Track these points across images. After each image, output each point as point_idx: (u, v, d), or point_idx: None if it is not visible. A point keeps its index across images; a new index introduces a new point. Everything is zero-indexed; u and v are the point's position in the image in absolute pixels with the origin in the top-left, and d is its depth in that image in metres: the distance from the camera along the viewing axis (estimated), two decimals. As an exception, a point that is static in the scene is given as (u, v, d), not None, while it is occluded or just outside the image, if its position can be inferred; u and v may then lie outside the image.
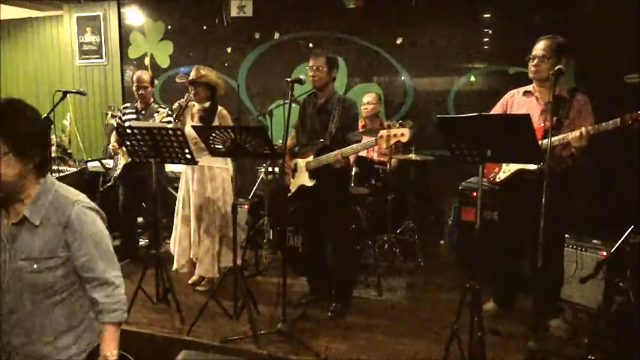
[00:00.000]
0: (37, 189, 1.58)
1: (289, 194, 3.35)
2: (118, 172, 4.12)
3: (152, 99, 4.24)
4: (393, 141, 2.83)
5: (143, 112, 4.12)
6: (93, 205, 1.66)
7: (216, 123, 3.51)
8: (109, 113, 4.93)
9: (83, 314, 1.67)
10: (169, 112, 3.90)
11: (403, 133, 2.79)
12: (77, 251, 1.58)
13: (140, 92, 4.10)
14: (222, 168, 3.64)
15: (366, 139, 3.05)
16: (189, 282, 3.74)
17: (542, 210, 2.47)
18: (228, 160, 3.61)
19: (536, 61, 2.88)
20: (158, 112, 4.01)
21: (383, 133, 2.84)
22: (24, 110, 1.56)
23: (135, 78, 4.13)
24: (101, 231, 1.64)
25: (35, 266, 1.55)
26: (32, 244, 1.55)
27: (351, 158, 3.56)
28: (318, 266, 3.51)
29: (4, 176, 1.49)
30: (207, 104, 3.56)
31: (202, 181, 3.57)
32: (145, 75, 4.14)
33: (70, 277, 1.61)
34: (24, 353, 1.61)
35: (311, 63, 3.17)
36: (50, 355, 1.61)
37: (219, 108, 3.59)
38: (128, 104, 4.29)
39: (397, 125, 2.83)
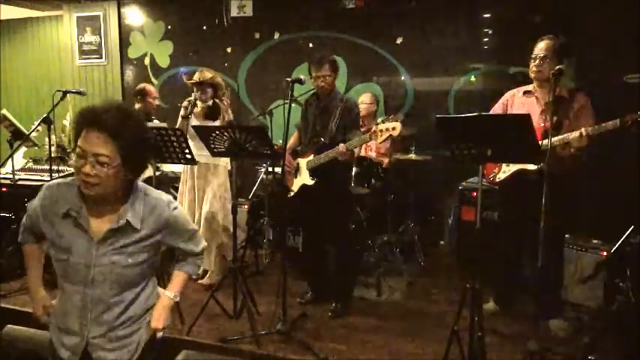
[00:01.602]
0: (130, 192, 1.62)
1: (292, 194, 3.36)
2: None
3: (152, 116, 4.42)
4: (385, 135, 2.88)
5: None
6: (178, 203, 1.79)
7: (219, 120, 3.64)
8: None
9: (154, 295, 1.77)
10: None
11: (395, 127, 2.85)
12: (174, 242, 1.77)
13: (140, 104, 4.31)
14: (224, 165, 3.74)
15: (364, 136, 3.07)
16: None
17: (542, 210, 2.47)
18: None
19: (538, 61, 2.88)
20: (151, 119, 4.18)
21: (376, 127, 2.89)
22: (142, 125, 1.59)
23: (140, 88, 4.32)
24: (187, 218, 1.83)
25: (129, 260, 1.61)
26: (127, 242, 1.61)
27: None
28: (318, 266, 3.51)
29: (108, 184, 1.51)
30: (210, 102, 3.66)
31: (207, 177, 3.67)
32: (152, 88, 4.39)
33: (150, 270, 1.73)
34: (101, 343, 1.64)
35: (315, 73, 3.19)
36: (129, 334, 1.69)
37: (221, 104, 3.70)
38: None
39: (390, 119, 2.88)
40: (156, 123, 4.10)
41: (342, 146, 3.01)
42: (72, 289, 1.63)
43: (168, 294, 1.78)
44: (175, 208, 1.72)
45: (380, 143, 3.28)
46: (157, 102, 4.36)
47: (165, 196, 1.73)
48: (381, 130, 2.87)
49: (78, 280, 1.61)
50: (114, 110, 1.50)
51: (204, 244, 1.89)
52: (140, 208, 1.62)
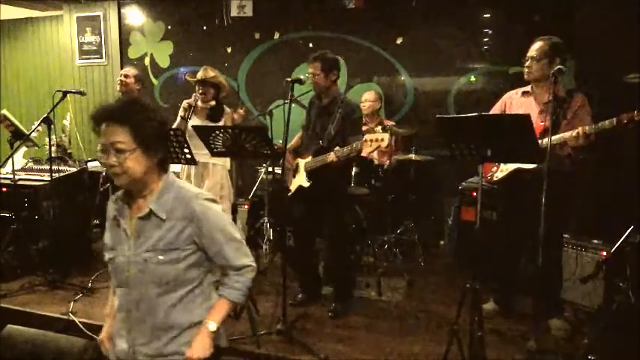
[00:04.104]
0: (159, 185, 1.63)
1: (289, 194, 3.36)
2: (104, 173, 4.16)
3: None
4: (374, 146, 2.86)
5: None
6: (211, 196, 1.71)
7: (222, 122, 3.63)
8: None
9: (206, 309, 1.67)
10: None
11: (382, 139, 2.83)
12: (207, 242, 1.63)
13: (120, 86, 4.00)
14: (222, 165, 3.74)
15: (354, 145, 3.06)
16: None
17: (541, 209, 2.47)
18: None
19: (528, 62, 2.90)
20: None
21: (367, 137, 2.88)
22: (147, 107, 1.62)
23: (121, 72, 4.09)
24: (225, 221, 1.69)
25: (160, 257, 1.58)
26: (158, 237, 1.59)
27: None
28: (307, 267, 3.50)
29: (132, 172, 1.54)
30: (213, 103, 3.65)
31: (203, 176, 3.66)
32: (133, 70, 4.08)
33: (193, 271, 1.63)
34: (148, 351, 1.62)
35: (308, 70, 3.20)
36: (173, 352, 1.63)
37: (226, 108, 3.72)
38: None
39: (380, 130, 2.86)
40: None
41: (331, 155, 3.02)
42: (119, 290, 1.65)
43: (208, 323, 1.63)
44: (206, 200, 1.65)
45: (368, 154, 3.23)
46: (137, 85, 4.00)
47: (197, 189, 1.70)
48: (370, 141, 2.85)
49: (121, 280, 1.63)
50: (117, 102, 1.62)
51: (247, 260, 1.69)
52: (168, 199, 1.61)
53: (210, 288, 1.71)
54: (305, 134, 3.43)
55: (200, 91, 3.59)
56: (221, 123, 3.62)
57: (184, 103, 3.60)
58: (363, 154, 2.98)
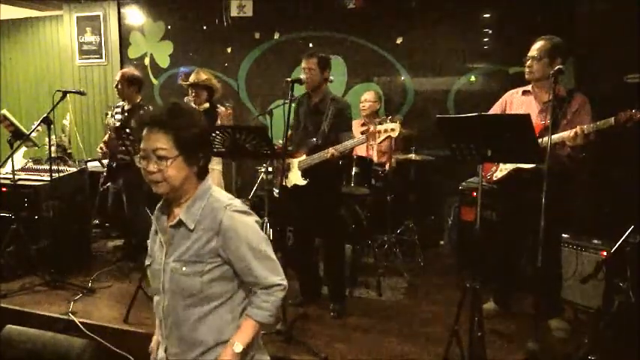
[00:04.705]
0: (195, 193, 1.57)
1: (276, 193, 3.34)
2: (104, 173, 4.16)
3: (139, 99, 4.14)
4: (383, 136, 2.86)
5: (126, 113, 4.12)
6: (246, 209, 1.61)
7: (217, 123, 3.57)
8: (109, 113, 4.94)
9: (234, 329, 1.59)
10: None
11: (393, 128, 2.82)
12: (233, 257, 1.55)
13: (118, 88, 4.04)
14: (214, 168, 3.72)
15: (359, 137, 3.06)
16: None
17: (541, 209, 2.47)
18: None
19: (529, 61, 2.90)
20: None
21: (373, 129, 2.86)
22: (193, 115, 1.58)
23: (117, 76, 4.09)
24: (256, 235, 1.59)
25: (185, 269, 1.53)
26: (185, 247, 1.54)
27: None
28: (306, 268, 3.50)
29: (173, 179, 1.50)
30: (206, 105, 3.61)
31: None
32: (128, 72, 4.06)
33: (220, 285, 1.56)
34: None
35: (303, 64, 3.19)
36: None
37: (219, 107, 3.68)
38: (119, 103, 4.30)
39: (387, 120, 2.85)
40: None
41: (331, 150, 3.01)
42: (155, 297, 1.64)
43: (234, 344, 1.54)
44: (237, 212, 1.55)
45: (379, 143, 3.25)
46: (129, 87, 4.01)
47: (230, 199, 1.59)
48: (379, 131, 2.84)
49: (156, 287, 1.61)
50: (165, 108, 1.55)
51: (277, 279, 1.59)
52: (199, 208, 1.55)
53: (242, 307, 1.62)
54: (295, 133, 3.40)
55: (192, 94, 3.55)
56: (217, 124, 3.58)
57: None
58: (373, 144, 2.96)
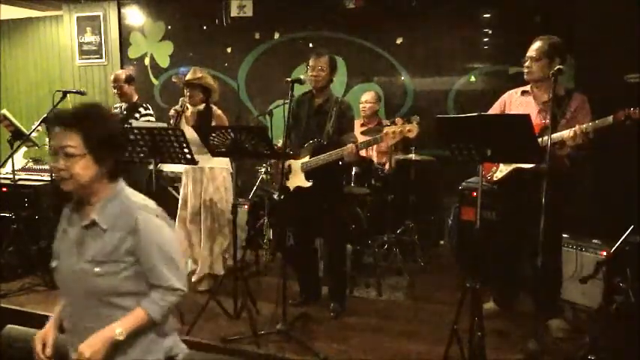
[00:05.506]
0: (107, 193, 1.60)
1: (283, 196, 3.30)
2: None
3: (136, 97, 4.23)
4: (398, 137, 2.82)
5: (125, 111, 4.14)
6: (159, 211, 1.65)
7: (213, 124, 3.50)
8: (109, 113, 4.96)
9: (147, 330, 1.62)
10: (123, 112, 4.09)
11: (411, 129, 2.79)
12: (142, 258, 1.58)
13: (116, 91, 4.14)
14: (223, 168, 3.65)
15: (365, 138, 3.05)
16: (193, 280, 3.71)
17: (541, 209, 2.47)
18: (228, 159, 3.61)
19: (527, 62, 2.90)
20: (139, 111, 4.08)
21: (388, 129, 2.82)
22: (105, 115, 1.61)
23: (111, 77, 4.17)
24: (167, 238, 1.63)
25: (97, 269, 1.54)
26: (98, 247, 1.56)
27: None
28: (306, 266, 3.50)
29: (80, 177, 1.53)
30: (201, 106, 3.54)
31: (203, 181, 3.57)
32: (122, 74, 4.16)
33: (132, 284, 1.59)
34: None
35: (312, 63, 3.15)
36: None
37: (214, 108, 3.58)
38: (117, 104, 4.31)
39: (402, 121, 2.82)
40: (156, 123, 4.08)
41: (351, 146, 2.95)
42: (63, 299, 1.65)
43: (115, 327, 1.54)
44: (152, 214, 1.60)
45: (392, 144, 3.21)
46: (128, 86, 4.10)
47: (144, 200, 1.64)
48: (394, 132, 2.80)
49: (64, 288, 1.63)
50: (77, 107, 1.59)
51: (179, 284, 1.62)
52: (113, 208, 1.58)
53: None
54: (295, 135, 3.32)
55: (187, 94, 3.49)
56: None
57: (171, 111, 3.50)
58: (387, 144, 2.92)
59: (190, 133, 3.09)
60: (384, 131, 2.84)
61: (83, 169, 1.52)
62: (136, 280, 1.60)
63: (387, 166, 4.27)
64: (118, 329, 1.54)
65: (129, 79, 4.17)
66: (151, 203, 1.65)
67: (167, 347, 1.69)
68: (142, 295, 1.61)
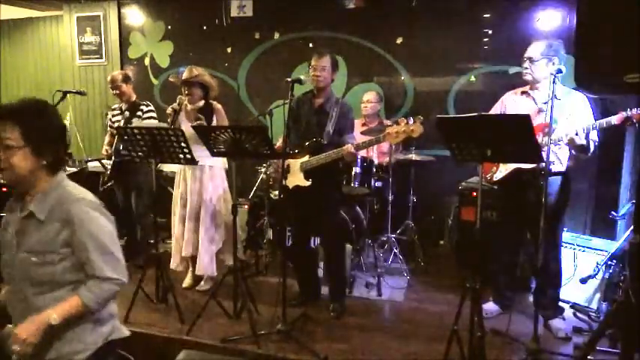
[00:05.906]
0: (46, 186, 1.65)
1: (282, 196, 3.30)
2: (108, 173, 4.16)
3: (134, 96, 4.24)
4: (401, 137, 2.81)
5: (126, 112, 4.14)
6: (97, 204, 1.70)
7: (214, 121, 3.52)
8: (109, 114, 4.96)
9: (83, 316, 1.68)
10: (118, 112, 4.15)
11: (414, 129, 2.78)
12: (77, 248, 1.63)
13: (114, 92, 4.17)
14: (221, 167, 3.67)
15: (365, 139, 3.05)
16: (183, 286, 3.70)
17: (541, 209, 2.47)
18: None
19: (526, 63, 2.91)
20: (141, 109, 4.09)
21: (391, 130, 2.82)
22: (45, 110, 1.66)
23: (108, 79, 4.19)
24: (102, 230, 1.67)
25: (35, 259, 1.61)
26: (36, 238, 1.62)
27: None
28: (306, 266, 3.50)
29: (18, 169, 1.58)
30: (201, 103, 3.54)
31: (202, 179, 3.57)
32: (119, 75, 4.18)
33: (69, 275, 1.65)
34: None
35: (314, 62, 3.15)
36: (52, 351, 1.64)
37: (214, 103, 3.57)
38: (116, 105, 4.31)
39: (406, 121, 2.81)
40: (156, 123, 4.08)
41: (349, 146, 2.97)
42: (7, 287, 1.71)
43: (51, 312, 1.59)
44: (89, 206, 1.65)
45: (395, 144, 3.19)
46: (125, 85, 4.13)
47: (82, 193, 1.68)
48: (397, 132, 2.80)
49: (7, 276, 1.68)
50: (18, 101, 1.64)
51: (114, 274, 1.67)
52: (50, 200, 1.64)
53: None
54: (294, 134, 3.31)
55: (186, 93, 3.48)
56: (213, 123, 3.50)
57: (169, 109, 3.48)
58: (390, 142, 2.91)
59: (190, 129, 3.11)
60: (387, 131, 2.84)
61: (21, 160, 1.58)
62: (75, 270, 1.66)
63: (387, 166, 4.27)
64: (54, 315, 1.59)
65: (126, 79, 4.19)
66: (90, 196, 1.70)
67: (105, 332, 1.75)
68: (81, 284, 1.66)
